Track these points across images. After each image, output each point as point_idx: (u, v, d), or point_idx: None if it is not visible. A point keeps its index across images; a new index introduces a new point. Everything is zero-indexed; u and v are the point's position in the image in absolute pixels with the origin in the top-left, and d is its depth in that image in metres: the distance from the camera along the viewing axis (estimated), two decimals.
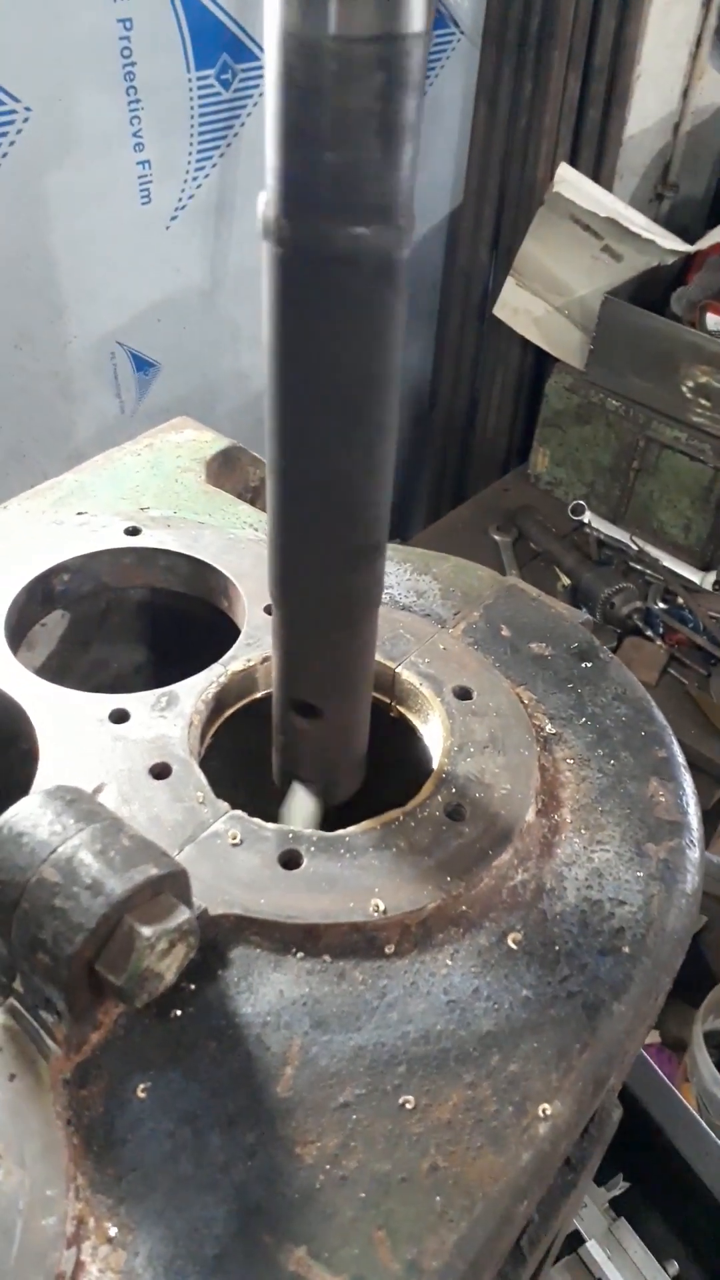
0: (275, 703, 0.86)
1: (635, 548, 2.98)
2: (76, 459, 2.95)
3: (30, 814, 0.69)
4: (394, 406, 0.68)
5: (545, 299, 3.08)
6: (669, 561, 2.94)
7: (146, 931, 0.64)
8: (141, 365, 2.88)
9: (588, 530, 3.03)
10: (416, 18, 0.53)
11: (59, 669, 1.24)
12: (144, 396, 2.94)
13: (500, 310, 3.14)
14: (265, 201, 0.60)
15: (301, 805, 0.89)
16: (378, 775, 0.94)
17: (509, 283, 3.11)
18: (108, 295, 2.67)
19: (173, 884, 0.68)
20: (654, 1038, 2.61)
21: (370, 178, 0.57)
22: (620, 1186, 1.28)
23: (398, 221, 0.59)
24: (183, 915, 0.67)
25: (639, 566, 2.96)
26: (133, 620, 1.31)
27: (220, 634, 1.11)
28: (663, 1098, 1.29)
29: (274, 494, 0.71)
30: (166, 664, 1.39)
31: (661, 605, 2.83)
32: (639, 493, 3.04)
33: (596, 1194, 1.28)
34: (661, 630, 2.78)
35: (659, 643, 2.75)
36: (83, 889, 0.65)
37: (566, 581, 2.90)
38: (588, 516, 3.05)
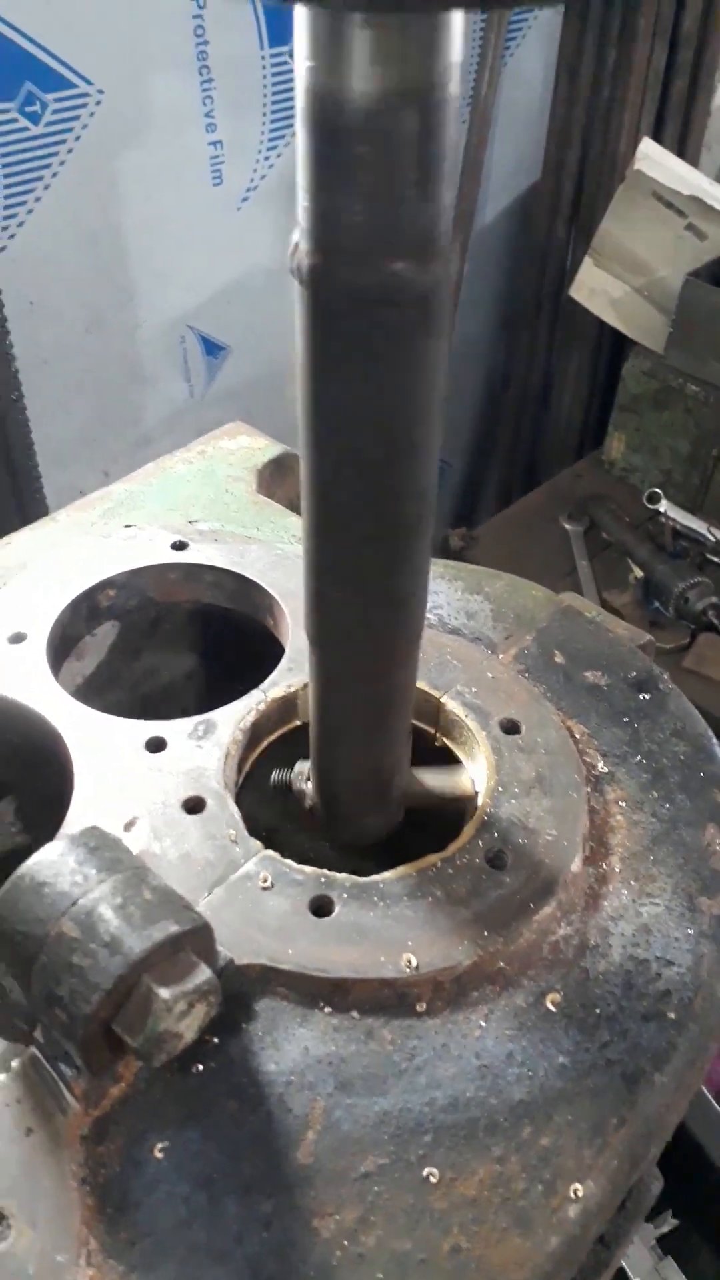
0: (311, 736, 0.84)
1: (713, 539, 2.88)
2: (145, 443, 2.96)
3: (52, 863, 0.67)
4: (434, 450, 0.65)
5: (625, 280, 2.97)
6: None
7: (165, 993, 0.63)
8: (211, 348, 2.86)
9: (663, 520, 2.94)
10: (449, 68, 0.49)
11: (109, 678, 1.23)
12: (213, 380, 2.92)
13: (577, 291, 3.04)
14: (295, 240, 0.56)
15: None
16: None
17: (587, 262, 3.00)
18: (178, 278, 2.65)
19: (194, 940, 0.66)
20: None
21: (404, 214, 0.53)
22: (669, 1224, 1.25)
23: (434, 258, 0.55)
24: (203, 975, 0.65)
25: (716, 559, 2.86)
26: (184, 628, 1.29)
27: (274, 642, 1.08)
28: (718, 1133, 1.25)
29: (309, 538, 0.68)
30: (219, 670, 1.37)
31: None
32: (718, 481, 2.94)
33: (644, 1231, 1.25)
34: None
35: None
36: (101, 946, 0.63)
37: (639, 574, 2.82)
38: (664, 505, 2.95)
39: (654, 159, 2.84)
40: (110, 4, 2.13)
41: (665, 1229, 1.25)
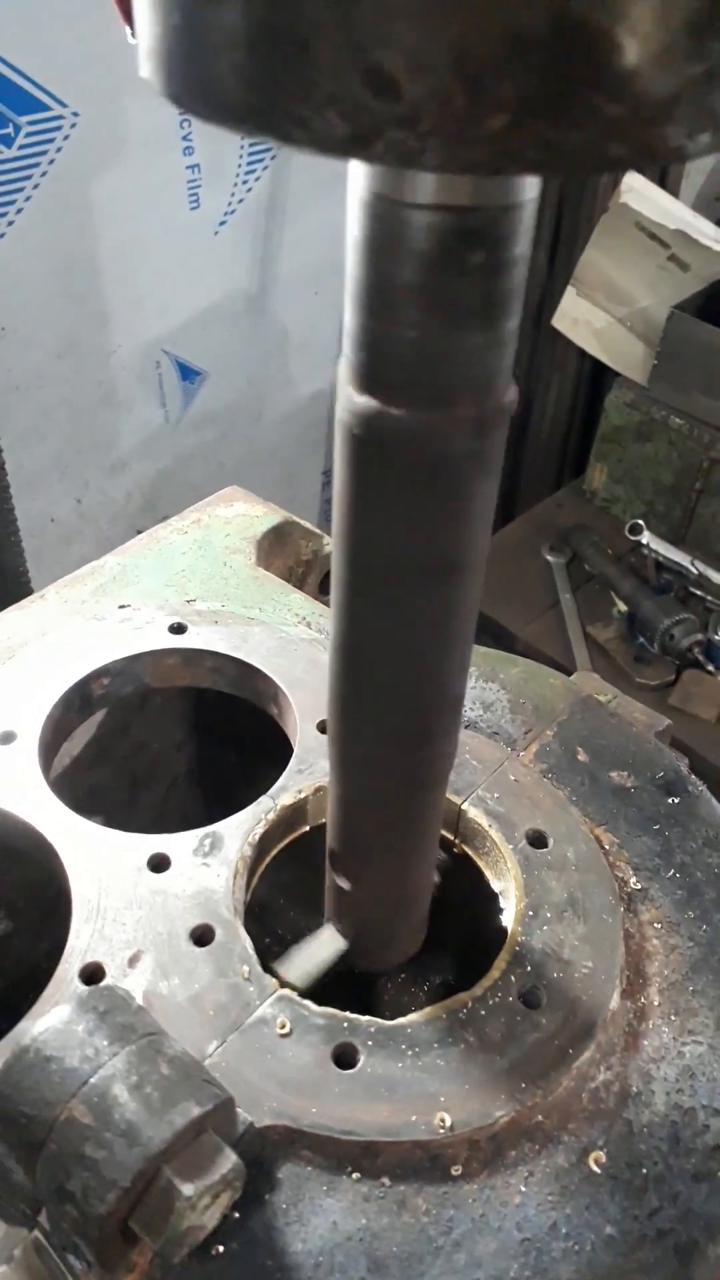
0: (328, 860, 0.78)
1: (696, 572, 2.85)
2: (120, 470, 2.88)
3: (59, 1032, 0.61)
4: (481, 580, 0.59)
5: (607, 309, 2.94)
6: None
7: (188, 1190, 0.57)
8: (187, 373, 2.80)
9: (645, 551, 2.90)
10: (524, 200, 0.44)
11: (96, 756, 1.17)
12: (189, 405, 2.86)
13: (559, 321, 3.01)
14: (343, 374, 0.50)
15: (324, 945, 0.80)
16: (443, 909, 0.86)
17: (569, 292, 2.97)
18: (154, 302, 2.58)
19: (217, 1117, 0.60)
20: None
21: (467, 355, 0.48)
22: None
23: (497, 397, 0.50)
24: (228, 1163, 0.59)
25: (699, 592, 2.83)
26: (175, 701, 1.23)
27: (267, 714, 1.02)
28: None
29: (337, 677, 0.63)
30: (212, 740, 1.31)
31: None
32: (701, 514, 2.91)
33: None
34: None
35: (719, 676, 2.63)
36: (116, 1135, 0.57)
37: (623, 608, 2.79)
38: (646, 537, 2.92)
39: (638, 191, 2.81)
40: (85, 26, 2.06)
41: None
